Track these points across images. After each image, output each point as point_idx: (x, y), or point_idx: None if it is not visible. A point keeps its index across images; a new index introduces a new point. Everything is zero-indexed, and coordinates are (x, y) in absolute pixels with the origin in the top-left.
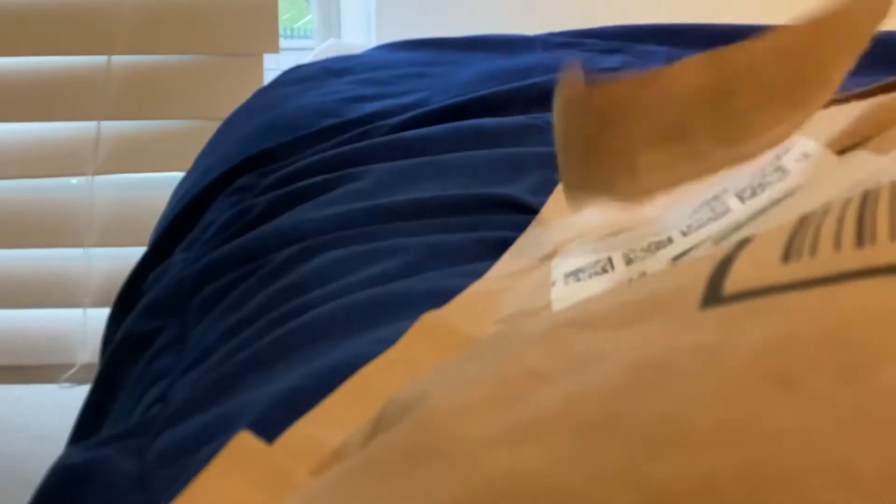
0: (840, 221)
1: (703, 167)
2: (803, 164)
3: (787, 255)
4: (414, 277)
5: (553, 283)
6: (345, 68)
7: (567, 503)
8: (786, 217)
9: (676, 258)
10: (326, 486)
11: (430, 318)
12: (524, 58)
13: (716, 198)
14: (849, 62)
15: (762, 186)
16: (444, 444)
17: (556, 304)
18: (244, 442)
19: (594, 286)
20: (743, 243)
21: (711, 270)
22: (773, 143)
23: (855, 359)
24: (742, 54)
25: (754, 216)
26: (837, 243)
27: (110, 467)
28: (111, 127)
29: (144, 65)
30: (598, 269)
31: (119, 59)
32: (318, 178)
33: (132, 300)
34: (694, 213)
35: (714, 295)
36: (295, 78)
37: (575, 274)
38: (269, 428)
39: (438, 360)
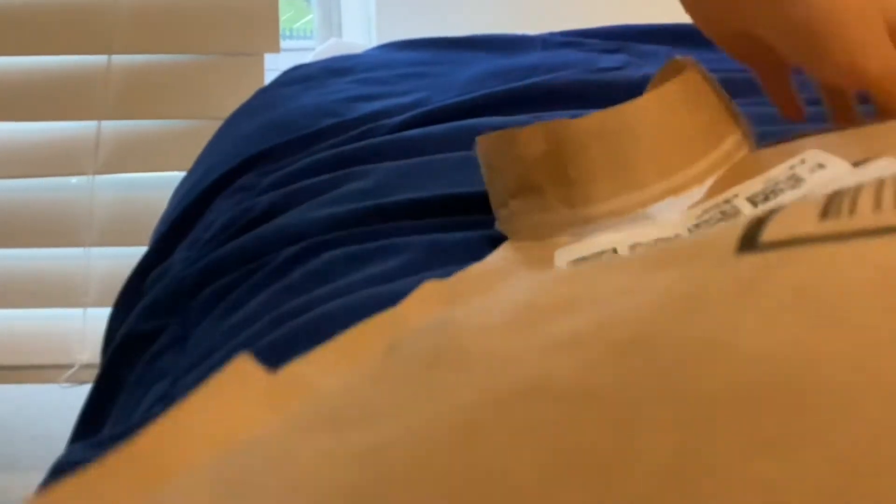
0: (878, 189)
1: (555, 221)
2: (819, 173)
3: (825, 213)
4: (415, 276)
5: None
6: (345, 68)
7: (598, 410)
8: None
9: None
10: (339, 389)
11: (431, 285)
12: (525, 57)
13: (726, 201)
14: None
15: (775, 193)
16: (469, 355)
17: None
18: (243, 363)
19: None
20: (776, 210)
21: (747, 225)
22: (628, 209)
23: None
24: (571, 128)
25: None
26: (878, 204)
27: None
28: (111, 126)
29: (145, 64)
30: (603, 259)
31: (119, 59)
32: (319, 178)
33: (133, 300)
34: (704, 212)
35: (751, 242)
36: (295, 77)
37: (578, 264)
38: None
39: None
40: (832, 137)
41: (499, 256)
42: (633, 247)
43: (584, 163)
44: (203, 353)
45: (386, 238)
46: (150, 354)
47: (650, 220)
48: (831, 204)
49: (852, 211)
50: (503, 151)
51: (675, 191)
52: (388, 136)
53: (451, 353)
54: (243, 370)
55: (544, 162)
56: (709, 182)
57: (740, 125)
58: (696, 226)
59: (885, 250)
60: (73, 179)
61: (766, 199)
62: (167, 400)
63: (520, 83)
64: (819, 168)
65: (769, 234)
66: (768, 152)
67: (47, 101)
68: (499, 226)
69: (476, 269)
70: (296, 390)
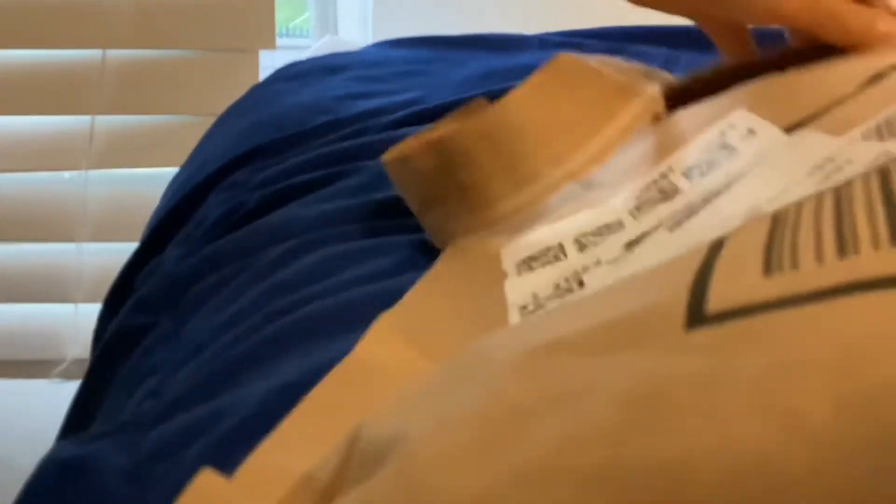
0: (818, 227)
1: (463, 228)
2: (751, 141)
3: (769, 266)
4: (407, 274)
5: (506, 276)
6: (341, 65)
7: None
8: (744, 203)
9: (630, 244)
10: None
11: (386, 320)
12: (521, 57)
13: (663, 176)
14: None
15: (710, 165)
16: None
17: (511, 297)
18: (206, 481)
19: (549, 275)
20: (716, 248)
21: (691, 284)
22: (528, 203)
23: (855, 387)
24: (456, 137)
25: (707, 198)
26: (819, 254)
27: (102, 462)
28: (105, 121)
29: (140, 59)
30: (551, 257)
31: (114, 54)
32: (312, 175)
33: (124, 295)
34: (642, 192)
35: (698, 314)
36: (291, 74)
37: (527, 263)
38: (263, 423)
39: (400, 369)
40: (758, 89)
41: (443, 269)
42: (578, 239)
43: (475, 167)
44: (194, 349)
45: (378, 236)
46: (141, 350)
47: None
48: (773, 249)
49: (795, 263)
50: (402, 169)
51: (573, 175)
52: (383, 134)
53: (420, 495)
54: (206, 489)
55: (439, 173)
56: (615, 157)
57: (645, 90)
58: (637, 208)
59: (833, 323)
60: (67, 174)
61: (703, 174)
62: (157, 395)
63: (516, 83)
64: (750, 135)
65: (716, 299)
66: (694, 112)
67: (41, 95)
68: (427, 237)
69: (422, 288)
70: (269, 485)
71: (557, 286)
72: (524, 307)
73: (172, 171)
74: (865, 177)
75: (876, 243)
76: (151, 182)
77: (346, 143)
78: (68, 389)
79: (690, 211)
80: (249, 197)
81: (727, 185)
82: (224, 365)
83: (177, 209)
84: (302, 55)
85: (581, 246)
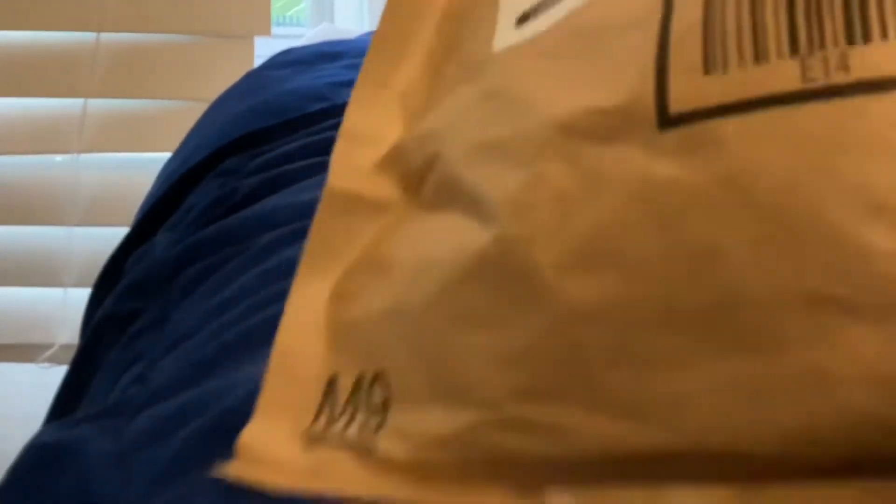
0: (739, 22)
1: None
2: None
3: (707, 64)
4: None
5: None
6: (336, 52)
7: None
8: None
9: None
10: None
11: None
12: None
13: None
14: None
15: None
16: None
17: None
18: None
19: None
20: (665, 23)
21: (654, 78)
22: None
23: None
24: None
25: None
26: (741, 58)
27: (86, 446)
28: (98, 105)
29: (134, 43)
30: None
31: (108, 37)
32: (305, 162)
33: (113, 280)
34: None
35: (665, 116)
36: (286, 61)
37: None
38: (251, 409)
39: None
40: None
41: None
42: None
43: None
44: (181, 335)
45: None
46: (128, 336)
47: None
48: (708, 50)
49: (725, 67)
50: None
51: None
52: None
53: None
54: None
55: None
56: None
57: None
58: None
59: (756, 142)
60: (58, 158)
61: None
62: (143, 381)
63: None
64: None
65: (675, 102)
66: None
67: (33, 78)
68: None
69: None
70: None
71: None
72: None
73: (165, 156)
74: None
75: (780, 53)
76: (143, 167)
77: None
78: (56, 374)
79: None
80: (242, 183)
81: None
82: (212, 352)
83: (168, 195)
84: (298, 43)
85: None
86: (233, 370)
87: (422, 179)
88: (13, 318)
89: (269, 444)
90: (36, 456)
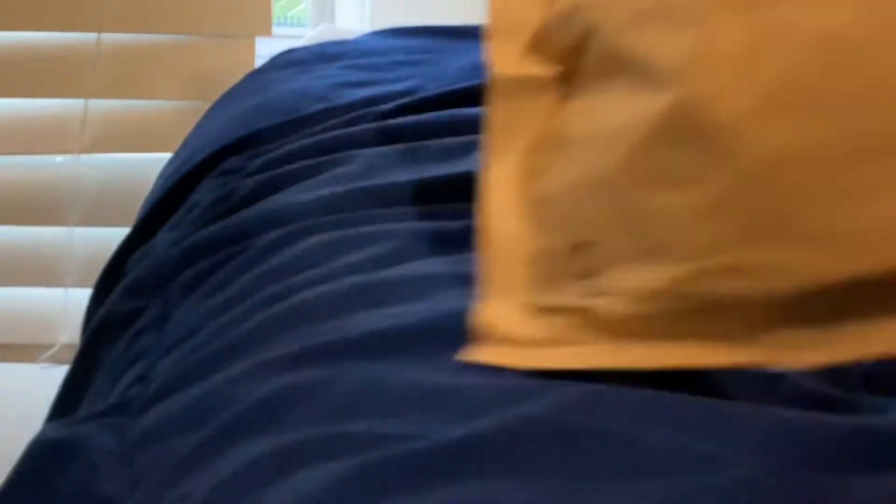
0: None
1: None
2: None
3: None
4: (398, 266)
5: None
6: (337, 53)
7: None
8: None
9: None
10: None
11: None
12: None
13: None
14: None
15: None
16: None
17: None
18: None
19: None
20: None
21: None
22: None
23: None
24: None
25: None
26: None
27: (90, 443)
28: (99, 105)
29: (135, 43)
30: None
31: (109, 37)
32: (305, 162)
33: (115, 280)
34: None
35: None
36: (286, 61)
37: None
38: (256, 415)
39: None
40: None
41: None
42: None
43: None
44: (182, 334)
45: (369, 224)
46: (130, 335)
47: None
48: None
49: None
50: None
51: None
52: (377, 124)
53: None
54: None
55: None
56: None
57: None
58: None
59: None
60: (59, 158)
61: None
62: (145, 380)
63: None
64: None
65: None
66: None
67: (34, 78)
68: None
69: None
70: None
71: None
72: None
73: (166, 156)
74: None
75: None
76: (144, 167)
77: (340, 131)
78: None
79: None
80: (243, 183)
81: None
82: (213, 351)
83: (170, 194)
84: (298, 44)
85: None
86: (233, 370)
87: (577, 54)
88: (14, 317)
89: (508, 322)
90: (41, 452)
